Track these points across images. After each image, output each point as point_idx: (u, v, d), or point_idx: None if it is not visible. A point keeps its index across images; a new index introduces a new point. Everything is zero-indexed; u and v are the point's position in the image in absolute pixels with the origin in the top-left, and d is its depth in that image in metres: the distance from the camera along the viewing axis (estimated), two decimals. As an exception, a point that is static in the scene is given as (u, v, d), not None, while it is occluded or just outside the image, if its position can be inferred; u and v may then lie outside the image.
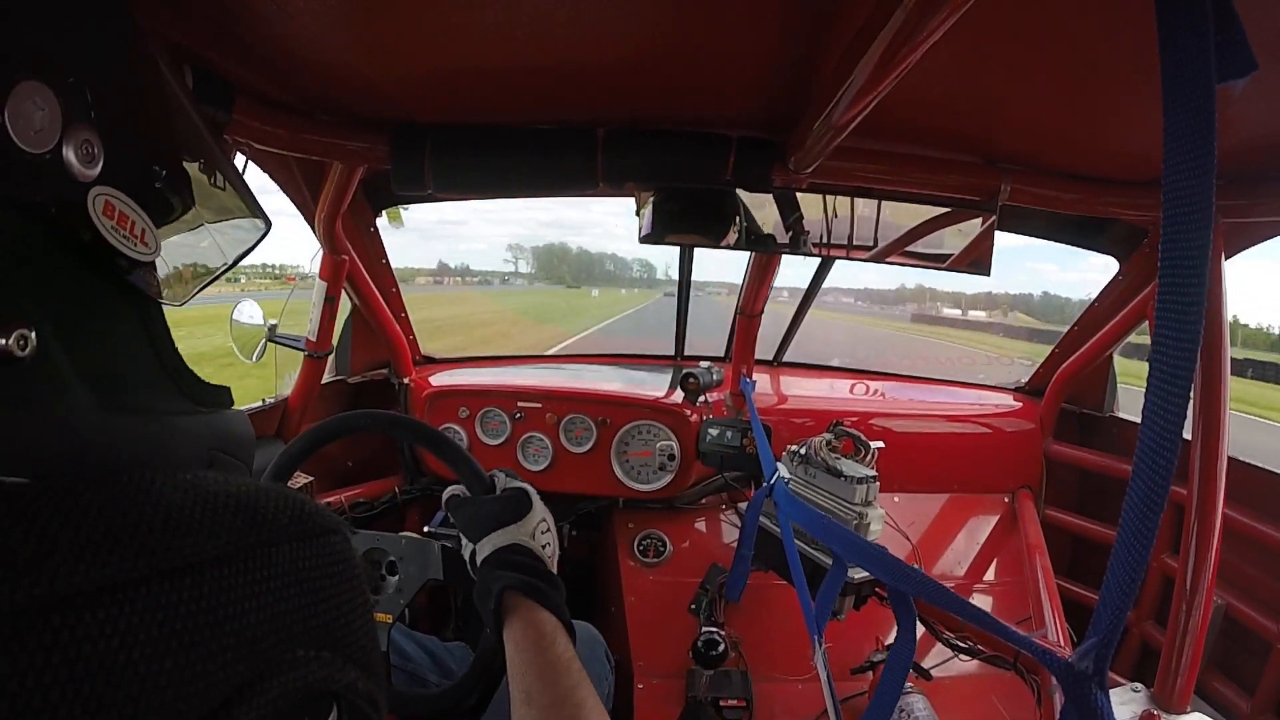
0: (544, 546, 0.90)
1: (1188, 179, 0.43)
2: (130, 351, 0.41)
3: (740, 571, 1.52)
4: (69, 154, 0.34)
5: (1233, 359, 1.22)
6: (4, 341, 0.31)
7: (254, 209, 0.58)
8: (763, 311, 1.93)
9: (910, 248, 1.27)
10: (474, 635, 1.09)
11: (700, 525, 1.89)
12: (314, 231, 1.49)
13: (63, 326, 0.35)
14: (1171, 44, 0.42)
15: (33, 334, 0.32)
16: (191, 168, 0.47)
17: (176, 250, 0.46)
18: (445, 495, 0.97)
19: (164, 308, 0.44)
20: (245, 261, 0.58)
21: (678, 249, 1.95)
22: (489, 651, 0.96)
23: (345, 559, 0.39)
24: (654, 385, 1.94)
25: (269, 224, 0.59)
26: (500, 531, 0.88)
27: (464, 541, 0.92)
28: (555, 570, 0.90)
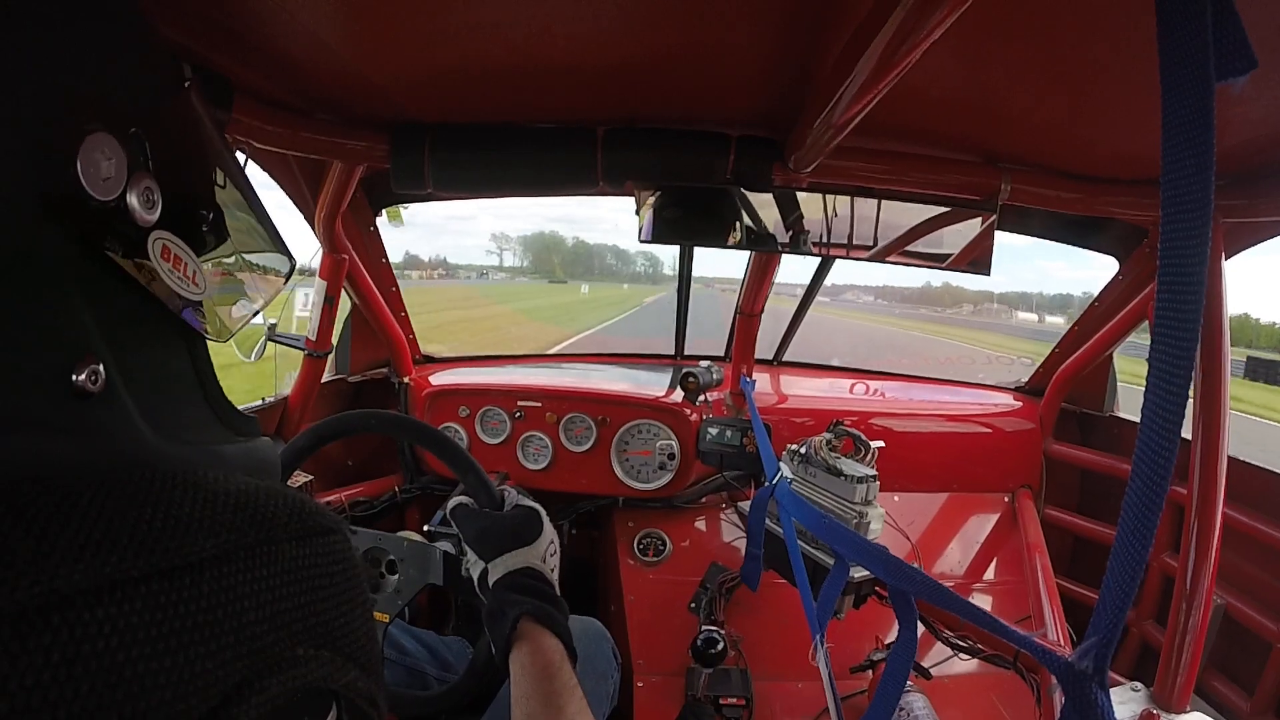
0: (551, 570, 0.91)
1: (1186, 178, 0.43)
2: (180, 385, 0.43)
3: (753, 568, 1.52)
4: (133, 200, 0.36)
5: (1260, 360, 1.22)
6: (79, 377, 0.32)
7: (278, 245, 0.60)
8: (763, 311, 1.93)
9: (910, 247, 1.27)
10: (473, 632, 1.09)
11: (700, 524, 1.89)
12: (314, 230, 1.49)
13: (125, 363, 0.37)
14: (1169, 41, 0.42)
15: (102, 369, 0.34)
16: (226, 207, 0.50)
17: (218, 288, 0.49)
18: (450, 505, 0.96)
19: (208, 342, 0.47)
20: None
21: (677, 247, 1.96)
22: (486, 656, 0.95)
23: (345, 558, 0.39)
24: (654, 384, 1.94)
25: (294, 262, 0.61)
26: (514, 553, 0.88)
27: (470, 555, 0.92)
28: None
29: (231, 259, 0.50)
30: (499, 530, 0.91)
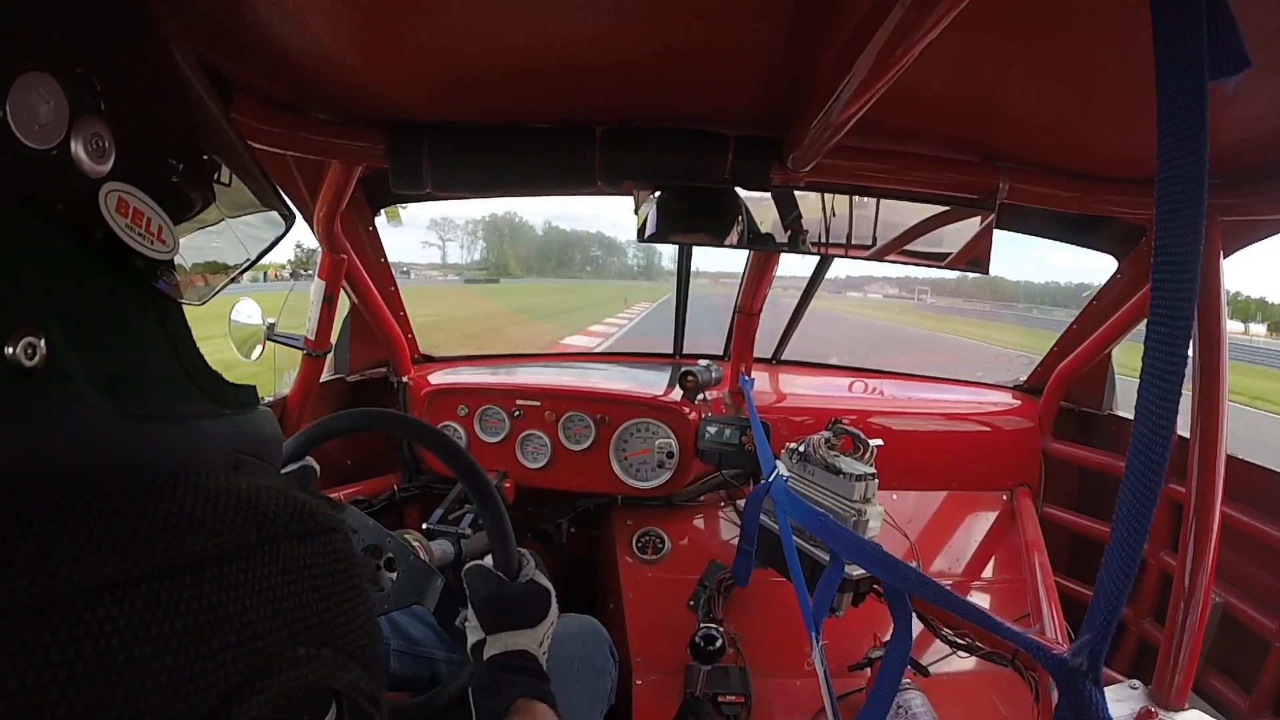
0: (544, 652, 0.92)
1: (1180, 176, 0.43)
2: (150, 354, 0.40)
3: (744, 563, 1.53)
4: (77, 149, 0.33)
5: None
6: (10, 351, 0.29)
7: (277, 204, 0.56)
8: (761, 310, 1.93)
9: (909, 246, 1.27)
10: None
11: (699, 522, 1.89)
12: (312, 230, 1.49)
13: (76, 331, 0.34)
14: (1164, 41, 0.42)
15: (42, 341, 0.31)
16: (212, 160, 0.45)
17: (196, 247, 0.44)
18: (468, 566, 0.96)
19: (184, 307, 0.43)
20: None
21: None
22: (466, 684, 0.95)
23: (346, 557, 0.39)
24: (653, 383, 1.94)
25: (292, 218, 0.57)
26: (516, 634, 0.89)
27: (471, 618, 0.92)
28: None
29: (213, 214, 0.46)
30: (508, 604, 0.91)
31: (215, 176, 0.45)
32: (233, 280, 0.51)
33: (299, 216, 1.47)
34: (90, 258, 0.35)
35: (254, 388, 0.47)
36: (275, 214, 0.55)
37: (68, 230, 0.34)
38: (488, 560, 0.97)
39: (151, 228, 0.37)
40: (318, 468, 1.03)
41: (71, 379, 0.33)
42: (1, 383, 0.29)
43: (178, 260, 0.40)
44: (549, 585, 0.96)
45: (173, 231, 0.39)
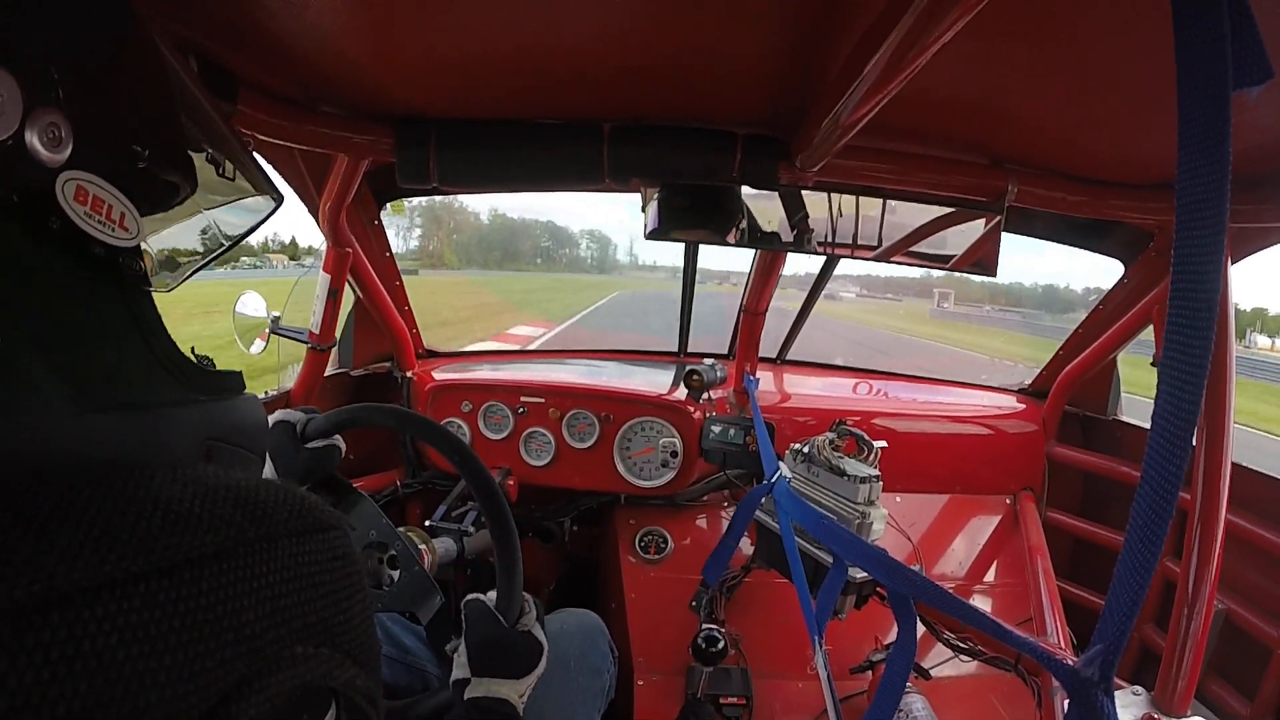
0: (524, 702, 0.92)
1: (1202, 185, 0.43)
2: (115, 342, 0.39)
3: (722, 559, 1.52)
4: (32, 139, 0.32)
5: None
6: None
7: (264, 186, 0.55)
8: (767, 309, 1.92)
9: (915, 247, 1.26)
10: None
11: (702, 522, 1.89)
12: (318, 224, 1.49)
13: (31, 324, 0.33)
14: (1188, 51, 0.42)
15: None
16: (187, 146, 0.45)
17: (167, 232, 0.44)
18: (471, 600, 0.94)
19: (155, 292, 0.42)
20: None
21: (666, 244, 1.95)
22: (442, 708, 0.94)
23: (345, 555, 0.38)
24: (657, 382, 1.94)
25: (280, 199, 0.56)
26: (499, 681, 0.89)
27: (460, 653, 0.92)
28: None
29: (191, 199, 0.45)
30: (500, 650, 0.91)
31: (191, 162, 0.45)
32: (205, 266, 0.50)
33: (305, 210, 1.48)
34: (49, 247, 0.35)
35: (239, 374, 0.47)
36: (262, 197, 0.54)
37: (23, 221, 0.33)
38: (491, 595, 0.95)
39: (113, 215, 0.37)
40: (343, 448, 1.02)
41: (25, 372, 0.33)
42: None
43: (144, 246, 0.40)
44: (544, 640, 0.95)
45: (136, 218, 0.38)
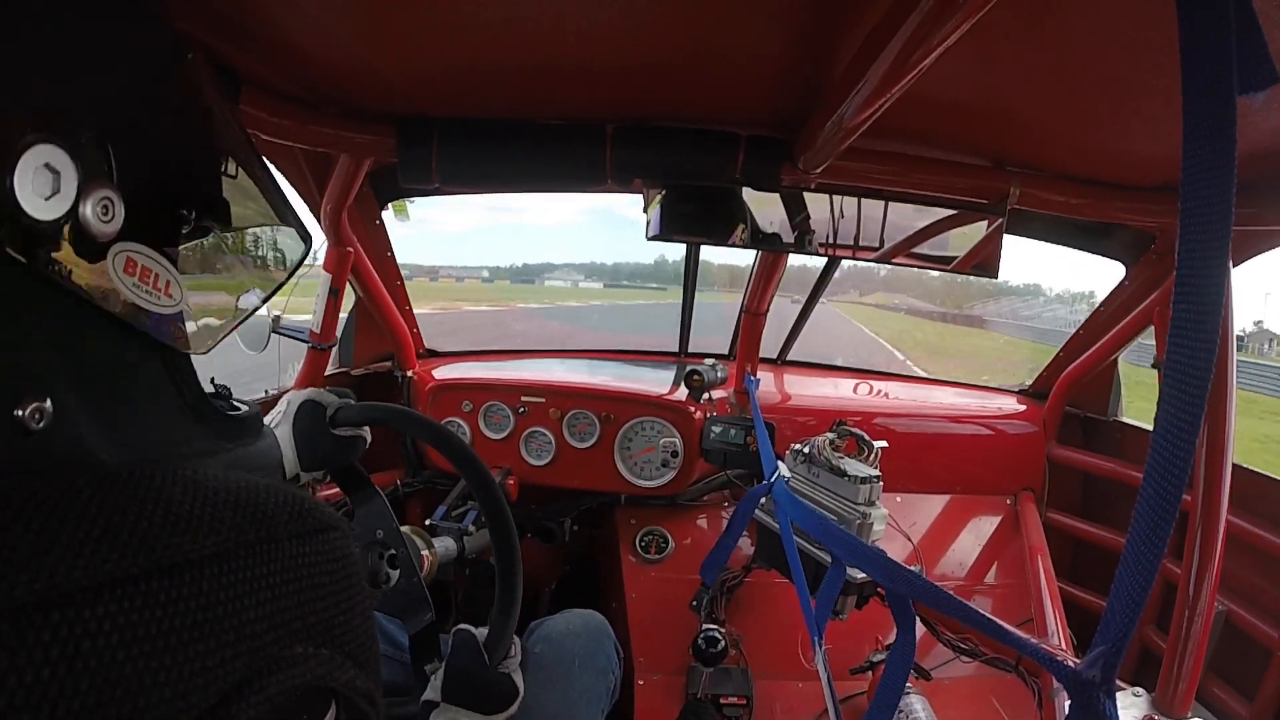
0: None
1: (1207, 188, 0.43)
2: (155, 401, 0.41)
3: (719, 559, 1.52)
4: (86, 214, 0.33)
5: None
6: (21, 414, 0.30)
7: (292, 221, 0.55)
8: (768, 310, 1.92)
9: (917, 249, 1.26)
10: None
11: (702, 522, 1.89)
12: (319, 223, 1.49)
13: (84, 390, 0.34)
14: (1192, 54, 0.42)
15: (48, 403, 0.32)
16: (230, 198, 0.45)
17: (203, 294, 0.45)
18: (459, 630, 0.96)
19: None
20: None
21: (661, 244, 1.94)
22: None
23: (345, 556, 0.39)
24: (658, 382, 1.93)
25: (309, 241, 0.56)
26: (469, 714, 0.90)
27: (437, 676, 0.93)
28: None
29: (227, 253, 0.46)
30: (477, 685, 0.93)
31: (230, 212, 0.45)
32: (239, 324, 0.51)
33: (306, 209, 1.48)
34: (100, 318, 0.36)
35: (258, 416, 0.48)
36: (292, 236, 0.54)
37: (79, 297, 0.34)
38: (482, 633, 0.96)
39: (159, 284, 0.38)
40: (369, 439, 1.01)
41: (78, 435, 0.34)
42: (10, 442, 0.30)
43: (184, 309, 0.41)
44: (521, 687, 0.97)
45: (179, 284, 0.39)
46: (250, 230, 0.50)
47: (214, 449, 0.45)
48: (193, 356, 0.44)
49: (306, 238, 0.56)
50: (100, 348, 0.37)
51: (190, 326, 0.43)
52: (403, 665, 1.21)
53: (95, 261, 0.34)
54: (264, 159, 0.51)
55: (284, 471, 0.86)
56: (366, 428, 0.98)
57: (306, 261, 0.57)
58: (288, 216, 0.53)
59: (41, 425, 0.31)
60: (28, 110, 0.31)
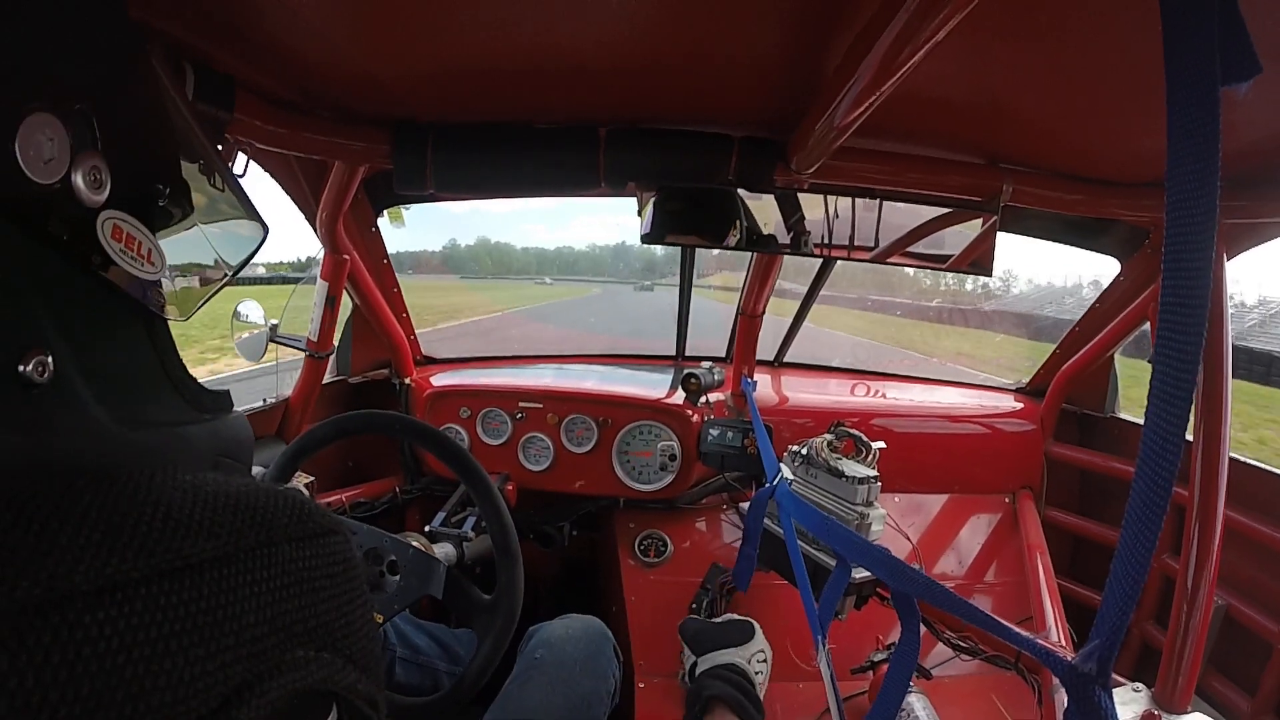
0: (757, 673, 1.01)
1: (1191, 182, 0.43)
2: (140, 365, 0.42)
3: (745, 567, 1.52)
4: (78, 181, 0.35)
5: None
6: (25, 368, 0.32)
7: (250, 213, 0.59)
8: (764, 312, 1.93)
9: (911, 248, 1.27)
10: (482, 625, 1.09)
11: (701, 525, 1.89)
12: (315, 231, 1.49)
13: (79, 348, 0.36)
14: (1176, 46, 0.42)
15: (50, 359, 0.33)
16: (192, 177, 0.49)
17: (178, 263, 0.48)
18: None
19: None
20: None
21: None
22: (485, 659, 0.96)
23: (346, 559, 0.39)
24: (655, 386, 1.93)
25: (266, 229, 0.60)
26: (722, 651, 1.07)
27: (685, 650, 1.12)
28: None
29: (194, 232, 0.49)
30: (710, 632, 1.09)
31: (194, 195, 0.49)
32: (215, 294, 0.54)
33: (301, 217, 1.48)
34: (90, 280, 0.38)
35: (228, 392, 0.50)
36: (250, 223, 0.58)
37: (71, 256, 0.36)
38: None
39: (142, 250, 0.40)
40: (306, 491, 1.03)
41: (75, 393, 0.36)
42: (14, 396, 0.32)
43: (163, 278, 0.43)
44: (752, 620, 1.17)
45: (160, 253, 0.42)
46: (214, 209, 0.53)
47: (194, 418, 0.46)
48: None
49: (264, 228, 0.60)
50: (90, 312, 0.39)
51: (169, 293, 0.45)
52: (417, 666, 1.22)
53: (87, 228, 0.37)
54: (217, 148, 0.54)
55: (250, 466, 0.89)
56: (298, 476, 1.03)
57: (301, 269, 0.61)
58: (243, 202, 0.57)
59: (44, 379, 0.33)
60: (27, 81, 0.33)
